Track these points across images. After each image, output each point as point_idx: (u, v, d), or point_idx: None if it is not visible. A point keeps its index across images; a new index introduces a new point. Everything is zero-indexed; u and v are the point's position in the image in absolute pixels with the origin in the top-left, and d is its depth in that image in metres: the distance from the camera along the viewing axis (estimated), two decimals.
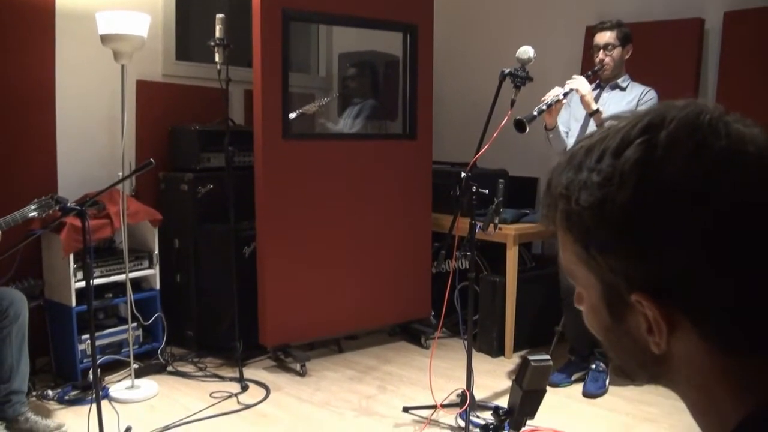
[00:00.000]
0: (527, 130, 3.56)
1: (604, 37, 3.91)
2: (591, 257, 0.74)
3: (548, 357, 1.55)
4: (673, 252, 0.68)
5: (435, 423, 3.71)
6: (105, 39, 3.69)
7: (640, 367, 0.79)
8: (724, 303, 0.69)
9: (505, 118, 3.51)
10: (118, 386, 3.96)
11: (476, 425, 3.63)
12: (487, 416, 3.73)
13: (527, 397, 1.55)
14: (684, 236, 0.68)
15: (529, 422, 3.57)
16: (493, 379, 4.31)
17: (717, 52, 4.48)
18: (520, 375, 1.55)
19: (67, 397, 3.79)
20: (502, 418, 1.63)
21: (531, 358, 1.54)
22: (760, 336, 0.70)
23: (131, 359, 3.98)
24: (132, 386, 3.93)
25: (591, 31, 4.75)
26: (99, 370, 3.18)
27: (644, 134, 0.71)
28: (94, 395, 3.05)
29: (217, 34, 3.95)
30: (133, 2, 4.11)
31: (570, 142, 4.07)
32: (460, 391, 3.82)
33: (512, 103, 3.56)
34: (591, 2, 4.99)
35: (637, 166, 0.69)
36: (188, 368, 4.36)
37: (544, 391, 1.59)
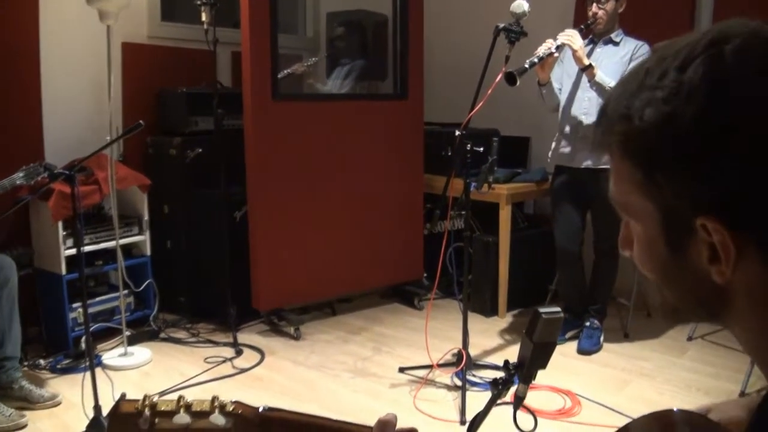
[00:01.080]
0: (518, 83, 3.51)
1: None
2: (652, 182, 0.70)
3: (559, 309, 1.52)
4: (746, 170, 0.64)
5: (431, 382, 3.72)
6: None
7: (697, 303, 0.75)
8: None
9: (499, 75, 3.47)
10: (111, 354, 3.93)
11: (473, 384, 3.66)
12: (482, 374, 3.78)
13: (538, 349, 1.53)
14: (758, 152, 0.64)
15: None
16: (488, 339, 4.32)
17: (711, 6, 4.43)
18: (530, 327, 1.52)
19: (59, 366, 3.76)
20: (512, 371, 1.61)
21: (542, 310, 1.51)
22: None
23: (123, 326, 3.94)
24: (125, 353, 3.90)
25: None
26: (91, 338, 3.14)
27: (709, 48, 0.67)
28: (87, 363, 3.02)
29: None
30: None
31: (563, 98, 4.03)
32: (455, 351, 3.83)
33: (506, 59, 3.51)
34: None
35: (706, 77, 0.66)
36: (181, 334, 4.34)
37: (554, 344, 1.56)
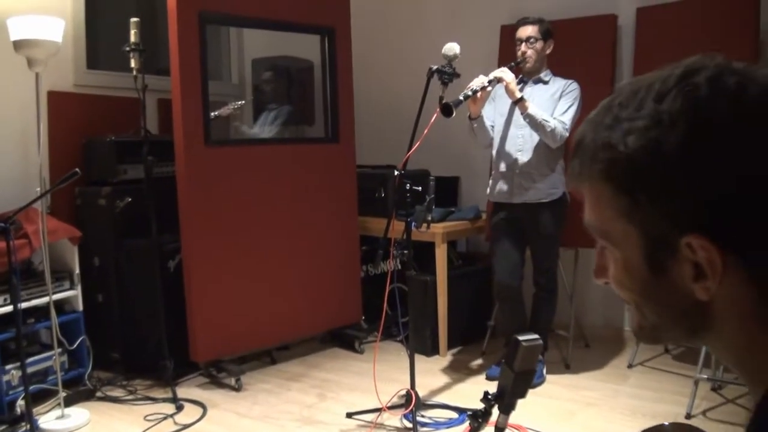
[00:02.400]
0: (454, 114, 3.58)
1: (527, 30, 3.97)
2: (636, 206, 0.73)
3: (537, 336, 1.53)
4: (730, 189, 0.68)
5: (380, 426, 3.66)
6: (18, 45, 3.47)
7: (678, 322, 0.78)
8: None
9: (434, 115, 3.52)
10: (48, 417, 3.71)
11: (423, 424, 3.62)
12: (432, 414, 3.76)
13: (519, 378, 1.53)
14: (741, 171, 0.68)
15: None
16: (432, 378, 4.30)
17: (631, 46, 4.64)
18: (510, 356, 1.52)
19: None
20: (492, 402, 1.59)
21: (521, 338, 1.52)
22: None
23: (60, 387, 3.74)
24: (62, 416, 3.70)
25: (506, 31, 4.85)
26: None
27: (682, 80, 0.72)
28: (26, 428, 2.86)
29: (132, 38, 3.80)
30: (40, 9, 3.89)
31: (497, 137, 4.12)
32: (403, 392, 3.79)
33: (440, 99, 3.58)
34: (505, 1, 5.07)
35: (684, 106, 0.70)
36: (118, 392, 4.15)
37: (534, 371, 1.57)
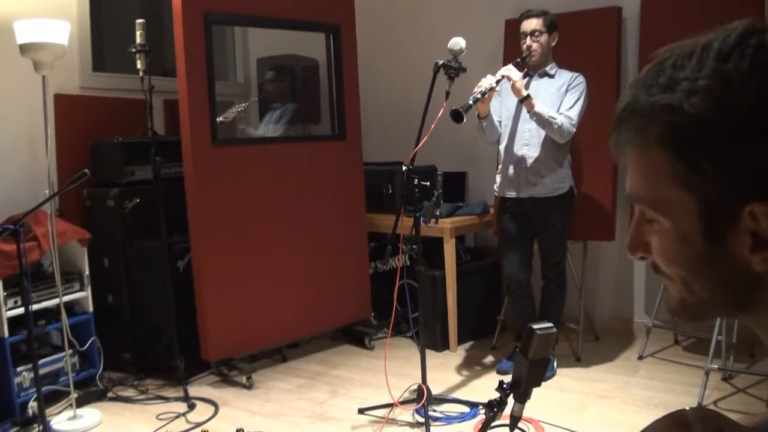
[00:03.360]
0: (465, 120, 3.58)
1: (531, 24, 3.96)
2: (696, 172, 0.70)
3: (551, 324, 1.54)
4: None
5: (392, 421, 3.67)
6: (24, 49, 3.48)
7: (730, 295, 0.75)
8: None
9: (441, 110, 3.52)
10: (60, 418, 3.73)
11: (435, 419, 3.63)
12: (444, 409, 3.76)
13: (534, 367, 1.53)
14: None
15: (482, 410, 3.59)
16: (443, 373, 4.31)
17: (636, 38, 4.63)
18: (524, 345, 1.52)
19: None
20: (508, 391, 1.60)
21: (535, 326, 1.52)
22: None
23: (71, 388, 3.76)
24: (74, 416, 3.71)
25: (510, 25, 4.84)
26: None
27: (746, 40, 0.69)
28: (40, 428, 2.87)
29: (138, 39, 3.81)
30: (45, 12, 3.91)
31: (504, 132, 4.11)
32: (414, 387, 3.80)
33: (447, 94, 3.59)
34: None
35: (754, 65, 0.67)
36: (129, 392, 4.16)
37: (549, 360, 1.57)
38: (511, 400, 1.67)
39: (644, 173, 0.75)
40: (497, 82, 3.82)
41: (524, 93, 3.85)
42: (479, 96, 3.75)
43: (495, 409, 1.70)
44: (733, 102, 0.67)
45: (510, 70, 3.85)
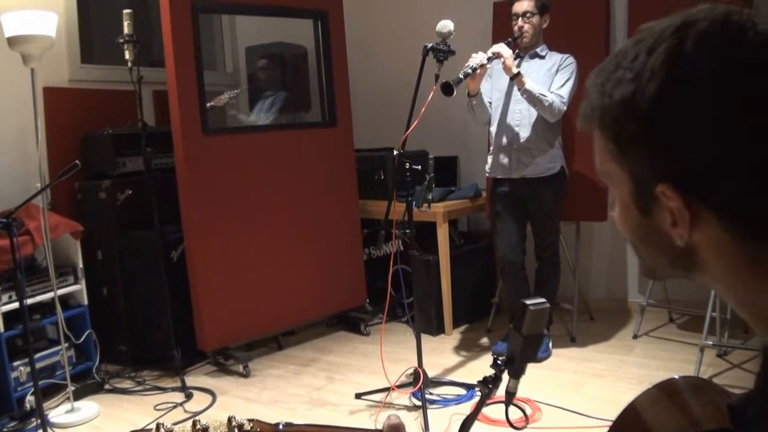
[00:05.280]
0: (454, 93, 3.58)
1: (523, 5, 3.96)
2: (622, 152, 0.77)
3: (544, 300, 1.55)
4: (695, 143, 0.71)
5: (390, 405, 3.68)
6: (12, 42, 3.46)
7: (669, 264, 0.82)
8: (745, 193, 0.71)
9: (431, 94, 3.52)
10: (57, 411, 3.74)
11: (432, 401, 3.64)
12: (440, 392, 3.78)
13: (528, 342, 1.54)
14: (707, 128, 0.70)
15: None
16: (439, 357, 4.33)
17: (624, 19, 4.64)
18: (518, 321, 1.53)
19: (5, 430, 3.56)
20: (502, 367, 1.61)
21: (528, 302, 1.53)
22: None
23: (68, 381, 3.77)
24: (72, 409, 3.72)
25: (499, 7, 4.84)
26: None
27: (675, 34, 0.74)
28: (38, 422, 2.87)
29: (126, 30, 3.80)
30: (32, 4, 3.88)
31: (495, 112, 4.11)
32: (410, 371, 3.82)
33: (436, 77, 3.58)
34: None
35: (666, 60, 0.73)
36: (126, 384, 4.17)
37: (543, 335, 1.58)
38: (506, 377, 1.67)
39: (596, 147, 0.83)
40: (488, 59, 3.81)
41: (515, 70, 3.85)
42: (470, 71, 3.75)
43: (490, 386, 1.70)
44: (640, 94, 0.73)
45: (501, 47, 3.85)
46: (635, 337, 4.38)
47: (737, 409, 0.75)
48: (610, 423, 1.00)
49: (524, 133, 4.01)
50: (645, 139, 0.74)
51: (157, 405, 3.82)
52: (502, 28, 4.42)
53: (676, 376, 1.06)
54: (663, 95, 0.72)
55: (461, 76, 3.69)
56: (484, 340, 4.60)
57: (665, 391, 1.02)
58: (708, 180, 0.71)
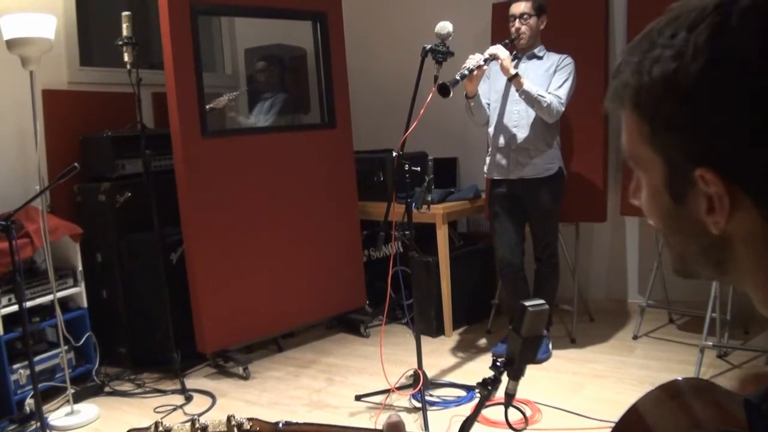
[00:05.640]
0: (451, 94, 3.58)
1: (520, 7, 3.96)
2: (657, 134, 0.74)
3: (543, 301, 1.54)
4: (740, 125, 0.68)
5: (389, 407, 3.68)
6: (11, 44, 3.46)
7: (701, 253, 0.78)
8: None
9: (430, 95, 3.52)
10: (57, 414, 3.74)
11: (432, 403, 3.64)
12: (441, 393, 3.78)
13: (527, 343, 1.53)
14: (753, 109, 0.67)
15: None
16: (438, 358, 4.32)
17: (624, 19, 4.63)
18: (517, 323, 1.52)
19: None
20: (501, 369, 1.60)
21: (527, 303, 1.53)
22: None
23: (68, 384, 3.76)
24: (71, 412, 3.72)
25: (498, 8, 4.83)
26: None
27: (718, 10, 0.70)
28: (38, 425, 2.86)
29: (125, 32, 3.79)
30: (30, 6, 3.88)
31: (493, 114, 4.12)
32: (410, 373, 3.82)
33: (435, 79, 3.58)
34: None
35: (710, 37, 0.69)
36: (126, 386, 4.17)
37: (542, 336, 1.57)
38: (505, 378, 1.67)
39: (626, 130, 0.79)
40: (485, 60, 3.81)
41: (512, 71, 3.85)
42: (466, 72, 3.75)
43: (489, 388, 1.70)
44: (682, 72, 0.70)
45: (498, 49, 3.85)
46: (635, 338, 4.38)
47: (754, 405, 0.74)
48: (610, 424, 0.99)
49: (522, 133, 4.01)
50: (686, 120, 0.71)
51: (156, 407, 3.82)
52: (501, 29, 4.42)
53: (679, 378, 1.06)
54: (708, 74, 0.68)
55: (458, 78, 3.69)
56: (484, 342, 4.60)
57: (668, 392, 1.01)
58: (751, 164, 0.68)
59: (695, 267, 0.82)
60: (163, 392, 4.04)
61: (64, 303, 4.08)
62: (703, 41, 0.69)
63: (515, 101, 3.99)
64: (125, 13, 3.82)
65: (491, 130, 4.15)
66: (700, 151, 0.70)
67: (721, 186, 0.70)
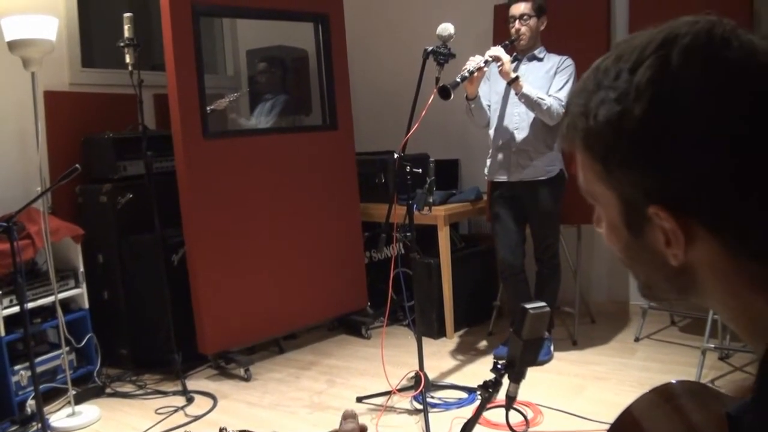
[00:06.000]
0: (452, 97, 3.59)
1: (520, 8, 3.96)
2: (610, 173, 0.75)
3: (544, 303, 1.54)
4: (686, 163, 0.69)
5: (391, 409, 3.68)
6: (13, 46, 3.47)
7: (665, 282, 0.80)
8: (739, 209, 0.69)
9: (432, 96, 3.52)
10: (58, 415, 3.73)
11: (433, 405, 3.64)
12: (442, 395, 3.77)
13: (528, 346, 1.53)
14: (697, 146, 0.69)
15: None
16: (440, 360, 4.32)
17: (625, 20, 4.63)
18: (518, 325, 1.52)
19: None
20: (502, 371, 1.60)
21: (528, 306, 1.53)
22: None
23: (69, 385, 3.76)
24: (73, 413, 3.72)
25: (499, 10, 4.83)
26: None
27: (659, 50, 0.72)
28: (39, 426, 2.87)
29: (126, 33, 3.80)
30: (32, 8, 3.89)
31: (493, 116, 4.11)
32: (411, 375, 3.81)
33: (437, 80, 3.59)
34: None
35: (652, 80, 0.70)
36: (127, 388, 4.17)
37: (543, 339, 1.57)
38: (506, 381, 1.67)
39: (580, 168, 0.81)
40: (485, 62, 3.81)
41: (512, 75, 3.85)
42: (467, 74, 3.75)
43: (490, 390, 1.70)
44: (626, 115, 0.71)
45: (498, 51, 3.85)
46: (637, 340, 4.37)
47: (735, 417, 0.75)
48: None
49: (522, 135, 4.01)
50: (634, 160, 0.72)
51: (158, 409, 3.82)
52: (503, 30, 4.42)
53: (673, 381, 1.06)
54: (651, 115, 0.70)
55: (458, 80, 3.69)
56: (485, 344, 4.59)
57: (662, 395, 1.02)
58: (701, 198, 0.70)
59: (659, 293, 0.84)
60: (165, 394, 4.04)
61: (66, 304, 4.08)
62: (644, 83, 0.71)
63: (516, 103, 3.99)
64: (127, 15, 3.83)
65: (492, 131, 4.15)
66: (651, 189, 0.72)
67: (673, 222, 0.72)
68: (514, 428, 1.68)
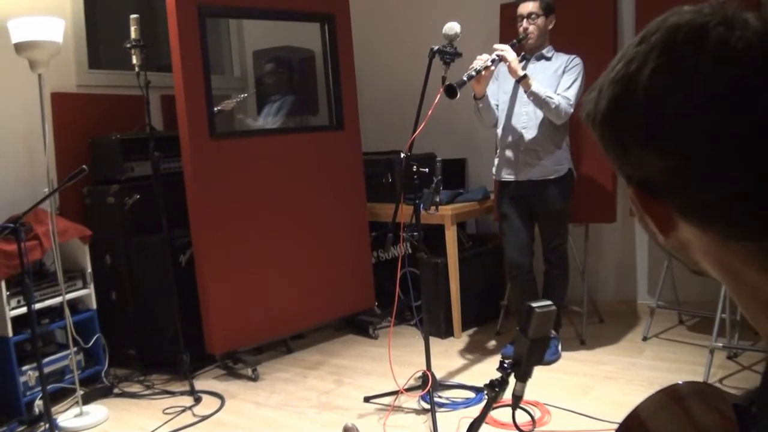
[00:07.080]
0: (458, 96, 3.58)
1: (528, 6, 3.95)
2: (612, 154, 0.79)
3: (551, 302, 1.54)
4: (651, 154, 0.72)
5: (399, 408, 3.67)
6: (20, 48, 3.48)
7: (676, 253, 0.81)
8: (704, 198, 0.71)
9: (438, 95, 3.52)
10: (66, 415, 3.74)
11: (441, 405, 3.63)
12: (448, 394, 3.77)
13: (534, 345, 1.53)
14: (666, 138, 0.70)
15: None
16: (447, 360, 4.31)
17: (632, 18, 4.61)
18: (524, 324, 1.52)
19: None
20: (509, 370, 1.60)
21: (534, 305, 1.53)
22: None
23: (77, 385, 3.77)
24: (80, 413, 3.72)
25: (506, 9, 4.82)
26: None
27: (636, 46, 0.77)
28: (47, 426, 2.87)
29: (133, 35, 3.81)
30: (39, 10, 3.90)
31: (501, 115, 4.11)
32: (419, 375, 3.81)
33: (443, 80, 3.58)
34: None
35: (615, 79, 0.75)
36: (135, 388, 4.18)
37: (549, 338, 1.57)
38: (512, 380, 1.67)
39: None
40: (492, 61, 3.80)
41: (520, 73, 3.84)
42: (473, 73, 3.74)
43: (497, 389, 1.70)
44: (598, 109, 0.77)
45: (505, 50, 3.84)
46: (645, 339, 4.36)
47: (743, 408, 0.74)
48: None
49: (530, 134, 3.99)
50: (618, 149, 0.76)
51: (165, 409, 3.83)
52: (510, 29, 4.40)
53: (680, 382, 1.06)
54: (610, 113, 0.75)
55: (465, 79, 3.68)
56: (493, 343, 4.58)
57: (670, 396, 1.01)
58: (673, 187, 0.72)
59: (694, 267, 0.84)
60: (172, 394, 4.05)
61: (73, 305, 4.10)
62: (608, 83, 0.77)
63: (524, 102, 3.98)
64: (133, 16, 3.84)
65: (500, 131, 4.14)
66: (629, 174, 0.76)
67: (645, 205, 0.75)
68: (521, 428, 1.67)
